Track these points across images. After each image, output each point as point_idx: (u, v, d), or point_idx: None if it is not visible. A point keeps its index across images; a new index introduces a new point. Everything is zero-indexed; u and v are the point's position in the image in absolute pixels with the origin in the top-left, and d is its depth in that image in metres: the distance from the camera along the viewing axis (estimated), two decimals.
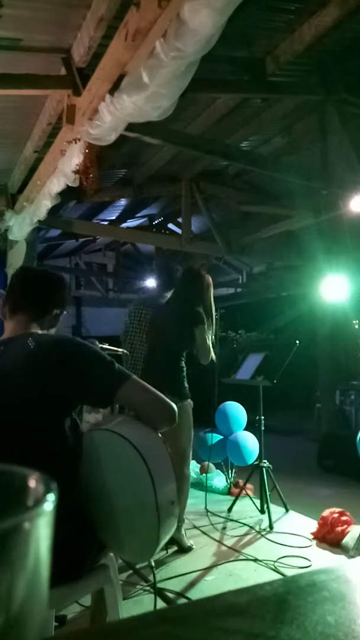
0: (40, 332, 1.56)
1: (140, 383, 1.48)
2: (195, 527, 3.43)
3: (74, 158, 3.02)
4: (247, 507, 3.72)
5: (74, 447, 1.44)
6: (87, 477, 1.44)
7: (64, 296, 1.67)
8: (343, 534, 3.07)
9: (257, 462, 3.76)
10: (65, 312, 1.67)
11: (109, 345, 3.44)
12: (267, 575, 2.71)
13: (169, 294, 3.40)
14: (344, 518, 3.18)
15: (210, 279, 3.22)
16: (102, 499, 1.43)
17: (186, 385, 3.06)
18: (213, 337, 3.19)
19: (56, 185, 3.47)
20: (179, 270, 3.65)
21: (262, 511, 3.63)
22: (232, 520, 3.61)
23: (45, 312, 1.60)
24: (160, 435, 1.52)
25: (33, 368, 1.41)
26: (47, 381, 1.41)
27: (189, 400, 3.05)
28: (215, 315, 3.31)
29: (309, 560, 2.87)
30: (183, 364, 3.08)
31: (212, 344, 3.16)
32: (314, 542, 3.16)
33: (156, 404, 1.47)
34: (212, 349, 3.12)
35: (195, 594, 2.50)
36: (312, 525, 3.37)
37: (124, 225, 7.33)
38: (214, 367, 3.85)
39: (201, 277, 3.19)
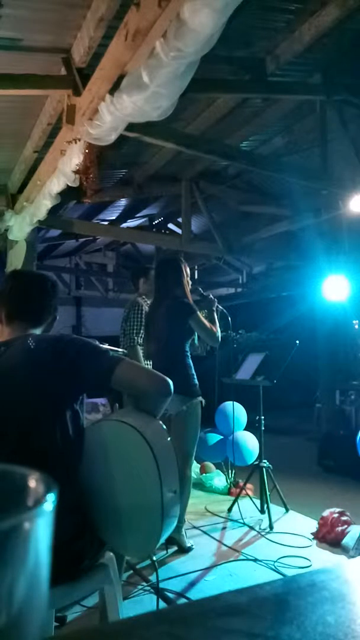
0: (38, 333, 1.59)
1: (133, 363, 1.54)
2: (195, 527, 3.43)
3: (74, 158, 3.01)
4: (247, 507, 3.73)
5: (75, 440, 1.45)
6: (90, 468, 1.45)
7: (55, 302, 1.71)
8: (343, 534, 3.07)
9: (257, 462, 3.76)
10: (57, 317, 1.71)
11: (109, 345, 3.45)
12: (267, 575, 2.71)
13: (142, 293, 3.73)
14: (344, 518, 3.18)
15: (182, 261, 3.21)
16: (105, 490, 1.43)
17: (195, 382, 3.00)
18: (210, 315, 3.15)
19: (56, 185, 3.47)
20: (145, 266, 3.85)
21: (262, 511, 3.63)
22: (232, 520, 3.61)
23: (43, 320, 1.64)
24: (164, 426, 1.54)
25: (32, 365, 1.44)
26: (45, 376, 1.43)
27: (199, 398, 3.00)
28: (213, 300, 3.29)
29: (309, 560, 2.87)
30: (188, 360, 3.04)
31: (212, 322, 3.11)
32: (314, 542, 3.16)
33: (150, 379, 1.50)
34: (214, 329, 3.07)
35: (195, 594, 2.50)
36: (312, 525, 3.37)
37: (124, 225, 7.33)
38: (214, 367, 3.86)
39: (175, 262, 3.18)
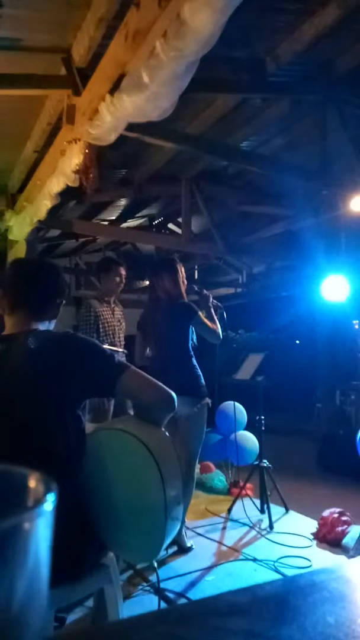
0: (41, 328, 1.56)
1: (139, 372, 1.49)
2: (195, 527, 3.43)
3: (74, 158, 3.01)
4: (247, 507, 3.72)
5: (76, 445, 1.44)
6: (92, 476, 1.44)
7: (62, 285, 1.67)
8: (343, 534, 3.07)
9: (257, 462, 3.76)
10: (64, 302, 1.66)
11: (109, 345, 3.45)
12: (267, 575, 2.71)
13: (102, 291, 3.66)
14: (344, 518, 3.18)
15: (178, 261, 3.18)
16: (107, 498, 1.43)
17: (203, 382, 2.99)
18: (208, 312, 3.13)
19: (56, 185, 3.47)
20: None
21: (262, 511, 3.63)
22: (232, 520, 3.61)
23: (46, 305, 1.60)
24: (167, 434, 1.52)
25: (34, 367, 1.42)
26: (48, 379, 1.41)
27: (207, 399, 2.99)
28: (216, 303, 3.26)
29: (309, 560, 2.87)
30: (194, 361, 3.02)
31: (211, 319, 3.09)
32: (314, 542, 3.16)
33: (155, 392, 1.47)
34: (215, 326, 3.06)
35: (195, 594, 2.50)
36: (312, 525, 3.37)
37: (124, 225, 7.32)
38: (214, 367, 3.85)
39: (170, 262, 3.15)
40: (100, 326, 3.54)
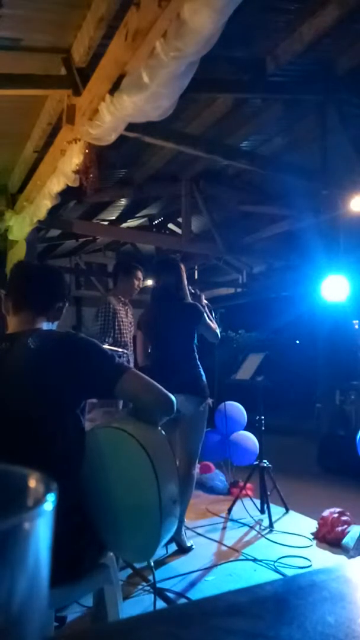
0: (44, 327, 1.57)
1: (139, 375, 1.50)
2: (195, 527, 3.43)
3: (74, 158, 3.01)
4: (247, 507, 3.72)
5: (76, 445, 1.45)
6: (89, 475, 1.44)
7: (64, 289, 1.69)
8: (343, 534, 3.07)
9: (257, 462, 3.76)
10: (67, 305, 1.68)
11: (109, 345, 3.45)
12: (267, 575, 2.71)
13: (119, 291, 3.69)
14: (344, 518, 3.18)
15: (180, 262, 3.21)
16: (103, 496, 1.43)
17: (205, 382, 3.00)
18: (209, 314, 3.16)
19: (56, 185, 3.46)
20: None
21: (262, 511, 3.63)
22: (232, 520, 3.61)
23: (49, 306, 1.61)
24: (163, 432, 1.53)
25: (35, 367, 1.42)
26: (49, 379, 1.42)
27: (209, 399, 3.01)
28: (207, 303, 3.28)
29: (309, 560, 2.87)
30: (197, 361, 3.03)
31: (211, 320, 3.13)
32: (314, 542, 3.16)
33: (155, 395, 1.48)
34: (215, 325, 3.10)
35: (195, 594, 2.50)
36: (312, 525, 3.37)
37: (124, 225, 7.32)
38: (214, 367, 3.85)
39: (173, 263, 3.17)
40: (117, 324, 3.62)
